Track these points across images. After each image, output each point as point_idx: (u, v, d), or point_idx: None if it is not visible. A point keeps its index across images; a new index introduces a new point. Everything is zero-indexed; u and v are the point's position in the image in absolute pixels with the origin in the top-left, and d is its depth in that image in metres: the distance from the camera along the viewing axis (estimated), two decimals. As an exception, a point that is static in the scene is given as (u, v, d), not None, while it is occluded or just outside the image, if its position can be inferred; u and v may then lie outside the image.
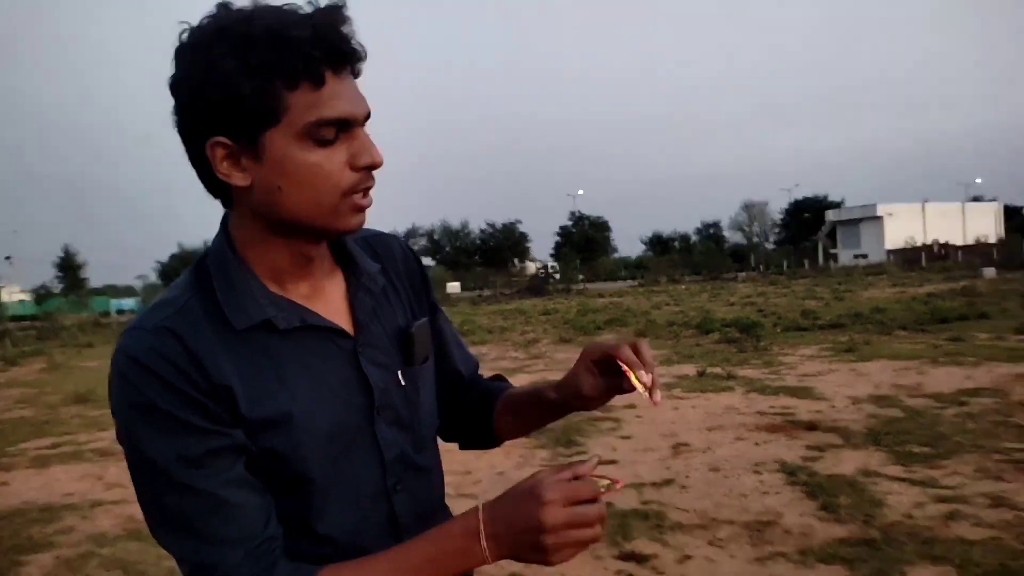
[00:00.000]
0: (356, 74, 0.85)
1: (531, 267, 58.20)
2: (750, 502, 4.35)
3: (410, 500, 0.96)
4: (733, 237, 71.49)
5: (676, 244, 65.73)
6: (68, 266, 50.77)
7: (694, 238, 66.96)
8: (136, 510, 4.34)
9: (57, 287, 52.04)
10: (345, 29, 0.81)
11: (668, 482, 4.86)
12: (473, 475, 5.19)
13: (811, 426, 6.07)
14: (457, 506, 3.49)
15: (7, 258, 77.68)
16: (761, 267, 60.07)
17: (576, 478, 0.80)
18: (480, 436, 1.16)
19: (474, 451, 1.21)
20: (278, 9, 0.80)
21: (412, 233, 53.88)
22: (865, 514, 3.97)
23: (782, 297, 24.16)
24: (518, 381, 7.10)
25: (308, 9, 0.80)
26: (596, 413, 7.29)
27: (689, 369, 9.85)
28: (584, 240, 58.34)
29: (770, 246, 70.54)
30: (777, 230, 70.22)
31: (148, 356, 0.79)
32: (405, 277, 1.04)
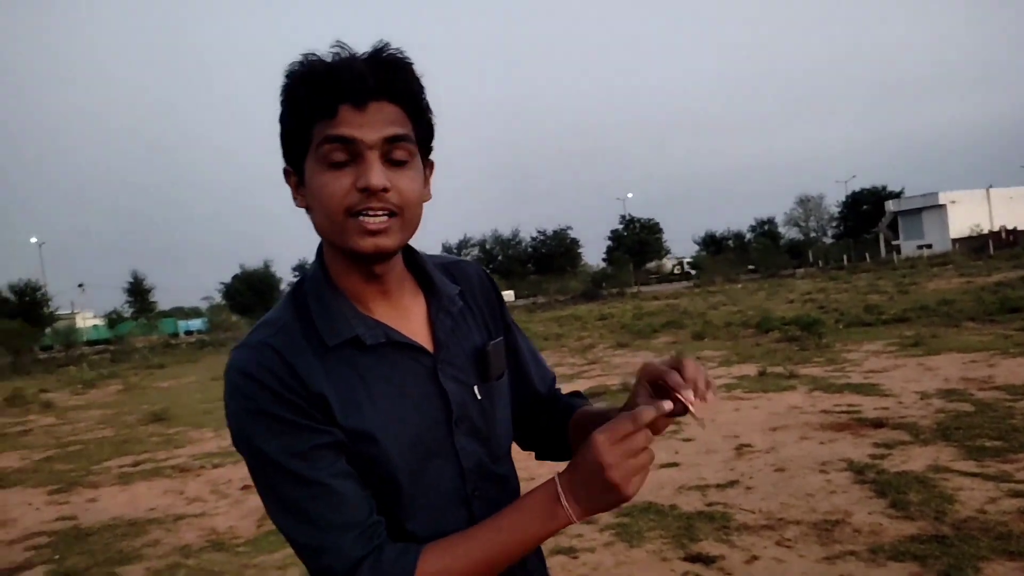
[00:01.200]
0: (403, 103, 0.92)
1: (667, 265, 57.20)
2: (817, 501, 4.33)
3: (488, 506, 1.01)
4: (789, 233, 69.99)
5: (730, 243, 64.57)
6: (137, 291, 52.67)
7: (748, 236, 65.70)
8: (217, 523, 4.61)
9: (127, 311, 54.05)
10: (365, 69, 0.89)
11: (732, 483, 4.86)
12: (536, 480, 5.26)
13: (878, 423, 5.98)
14: None
15: (80, 286, 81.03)
16: (820, 262, 58.65)
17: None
18: (555, 449, 1.21)
19: (540, 460, 1.25)
20: (319, 59, 0.91)
21: (464, 244, 54.33)
22: (936, 510, 3.92)
23: (843, 292, 23.59)
24: (576, 387, 7.16)
25: (349, 52, 0.91)
26: (657, 417, 7.30)
27: (749, 369, 9.76)
28: (636, 243, 57.86)
29: (828, 240, 68.81)
30: (835, 223, 68.45)
31: (254, 368, 0.90)
32: (481, 299, 1.12)
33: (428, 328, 1.02)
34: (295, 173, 0.95)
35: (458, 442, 1.00)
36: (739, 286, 41.04)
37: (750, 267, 56.23)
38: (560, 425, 1.18)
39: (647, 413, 0.86)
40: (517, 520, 0.91)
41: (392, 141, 0.90)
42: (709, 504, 4.50)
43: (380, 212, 0.89)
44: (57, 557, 4.73)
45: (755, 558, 3.63)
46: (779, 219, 67.21)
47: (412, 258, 1.05)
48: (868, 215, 63.94)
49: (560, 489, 0.88)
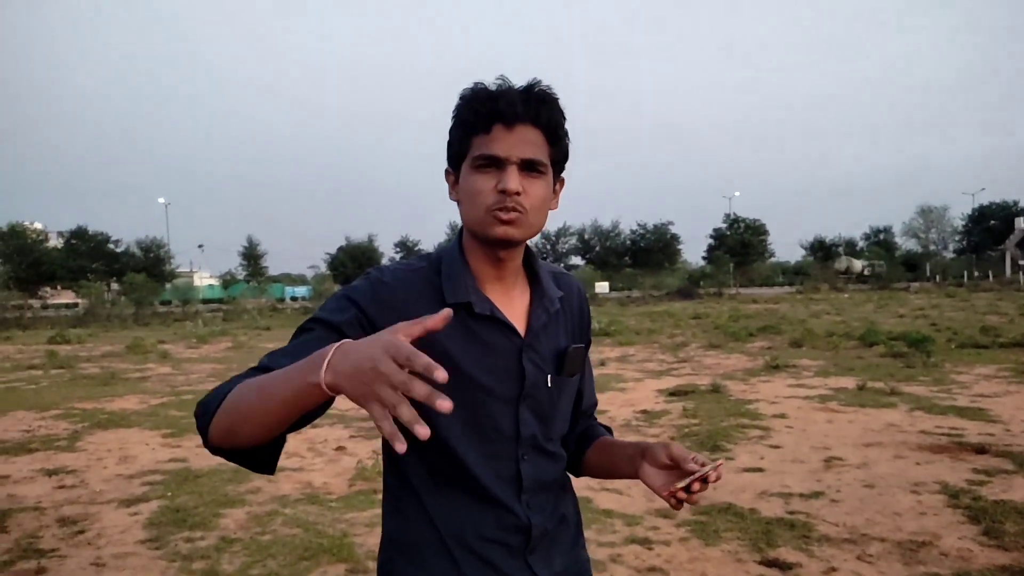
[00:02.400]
0: (544, 129, 1.15)
1: (856, 264, 55.70)
2: (905, 521, 4.21)
3: (533, 470, 1.22)
4: (906, 244, 66.36)
5: (841, 250, 61.79)
6: (250, 255, 55.33)
7: (861, 244, 62.69)
8: (313, 478, 4.91)
9: (241, 274, 56.93)
10: (513, 99, 1.12)
11: (817, 494, 4.78)
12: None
13: (981, 449, 5.71)
14: (603, 498, 3.77)
15: (200, 246, 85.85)
16: (937, 277, 55.43)
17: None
18: (568, 462, 1.38)
19: None
20: (486, 87, 1.14)
21: (562, 232, 54.14)
22: (1034, 544, 3.76)
23: (959, 311, 22.30)
24: (665, 384, 7.26)
25: (508, 85, 1.14)
26: (745, 420, 7.22)
27: (848, 382, 9.45)
28: (739, 244, 56.22)
29: (949, 255, 64.84)
30: (957, 237, 64.35)
31: (376, 277, 1.18)
32: (576, 311, 1.34)
33: (526, 318, 1.22)
34: (454, 174, 1.20)
35: (521, 413, 1.20)
36: (846, 295, 39.37)
37: (867, 266, 53.08)
38: (582, 445, 1.39)
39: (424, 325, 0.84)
40: (292, 368, 0.91)
41: (529, 163, 1.13)
42: (791, 512, 4.45)
43: (512, 210, 1.12)
44: (169, 494, 5.16)
45: (833, 570, 3.59)
46: (896, 229, 63.74)
47: (529, 260, 1.26)
48: (995, 231, 59.78)
49: (330, 353, 0.85)
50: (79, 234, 46.78)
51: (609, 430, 1.46)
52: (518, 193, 1.11)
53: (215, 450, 1.05)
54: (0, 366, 14.67)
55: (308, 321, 1.14)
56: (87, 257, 45.48)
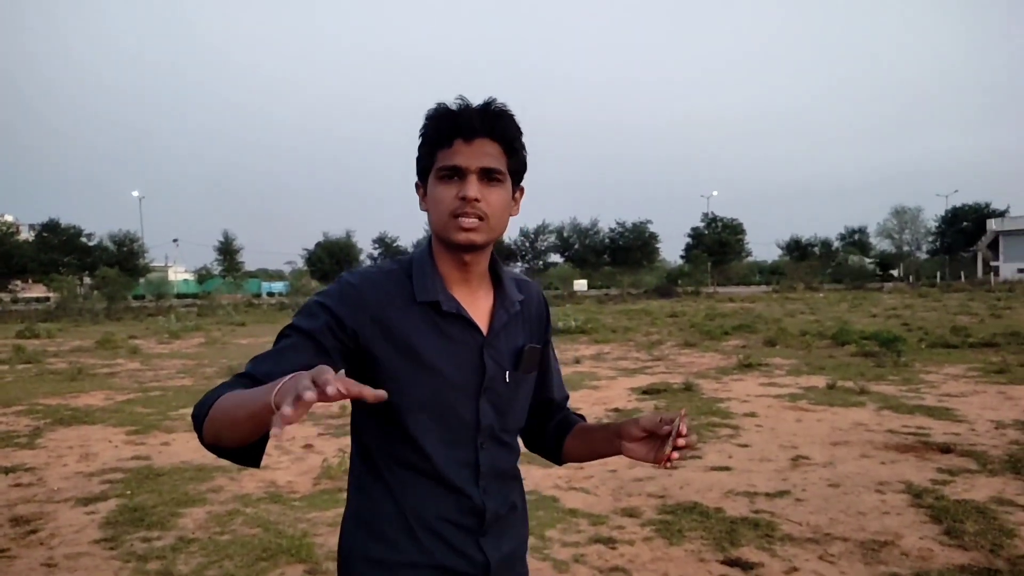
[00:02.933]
0: (501, 141, 1.25)
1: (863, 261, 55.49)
2: (868, 520, 4.23)
3: (490, 458, 1.32)
4: (880, 245, 66.89)
5: (816, 250, 62.33)
6: (226, 250, 54.71)
7: (836, 244, 63.20)
8: (277, 476, 4.83)
9: (216, 269, 56.33)
10: (472, 115, 1.22)
11: (783, 493, 4.79)
12: (585, 471, 5.31)
13: (946, 449, 5.76)
14: (570, 497, 3.74)
15: (174, 241, 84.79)
16: (910, 278, 56.18)
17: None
18: (550, 451, 1.53)
19: (530, 451, 1.57)
20: (447, 106, 1.24)
21: (541, 230, 54.03)
22: (993, 543, 3.77)
23: (931, 311, 22.60)
24: (638, 382, 7.24)
25: (467, 103, 1.24)
26: (715, 419, 7.23)
27: (818, 381, 9.51)
28: (716, 243, 56.55)
29: (922, 256, 65.66)
30: (931, 239, 65.12)
31: (347, 282, 1.26)
32: (535, 313, 1.43)
33: (489, 318, 1.33)
34: (423, 187, 1.30)
35: (481, 404, 1.30)
36: (821, 295, 39.76)
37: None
38: (560, 434, 1.50)
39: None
40: (256, 391, 1.00)
41: (486, 171, 1.23)
42: (755, 511, 4.45)
43: (472, 216, 1.22)
44: (128, 493, 5.05)
45: (795, 569, 3.58)
46: (871, 229, 64.36)
47: (493, 265, 1.36)
48: (968, 232, 60.72)
49: (282, 380, 0.94)
50: (51, 227, 46.03)
51: (582, 417, 1.56)
52: (477, 200, 1.22)
53: (209, 448, 1.15)
54: (-36, 361, 14.36)
55: (286, 328, 1.23)
56: (59, 250, 44.78)
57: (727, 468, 5.45)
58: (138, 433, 7.11)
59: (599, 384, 9.86)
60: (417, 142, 1.30)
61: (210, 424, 1.10)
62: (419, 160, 1.30)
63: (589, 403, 8.44)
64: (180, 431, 7.19)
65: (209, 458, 6.05)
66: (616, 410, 7.97)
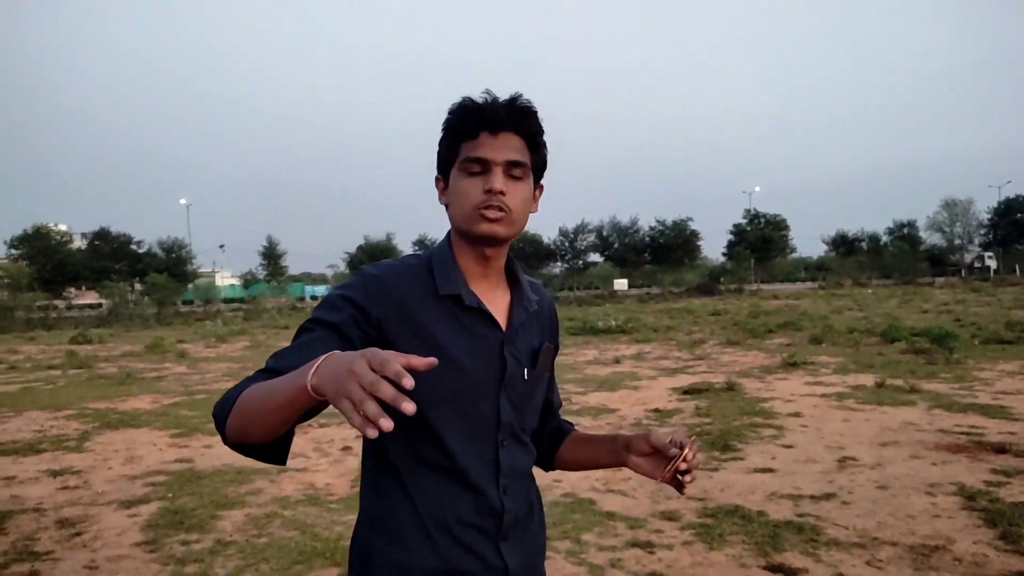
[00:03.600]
0: (527, 140, 1.26)
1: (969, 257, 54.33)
2: (918, 524, 4.07)
3: (510, 456, 1.30)
4: (930, 239, 64.98)
5: (864, 245, 60.80)
6: (270, 254, 55.60)
7: (884, 238, 61.56)
8: (316, 478, 4.84)
9: (261, 274, 57.27)
10: (499, 108, 1.23)
11: (829, 496, 4.64)
12: (623, 472, 5.23)
13: (1001, 449, 5.53)
14: (607, 500, 3.65)
15: (221, 246, 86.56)
16: (962, 272, 54.51)
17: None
18: (542, 456, 1.51)
19: None
20: (472, 99, 1.25)
21: (581, 229, 53.59)
22: (1053, 549, 3.59)
23: (985, 306, 21.88)
24: (680, 382, 7.12)
25: (493, 97, 1.24)
26: (758, 419, 7.07)
27: (867, 379, 9.25)
28: (759, 239, 55.57)
29: (974, 249, 63.61)
30: (983, 231, 63.04)
31: (369, 274, 1.25)
32: (547, 318, 1.43)
33: (507, 315, 1.32)
34: (443, 180, 1.30)
35: (502, 400, 1.28)
36: (869, 291, 38.84)
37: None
38: (555, 440, 1.51)
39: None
40: (288, 376, 1.00)
41: (512, 164, 1.24)
42: (800, 515, 4.32)
43: (497, 208, 1.22)
44: (170, 495, 5.13)
45: (840, 575, 3.46)
46: (921, 223, 62.56)
47: (510, 264, 1.37)
48: (1021, 225, 58.62)
49: (320, 360, 0.94)
50: (102, 235, 47.28)
51: (573, 426, 1.56)
52: (503, 193, 1.21)
53: (233, 446, 1.13)
54: (21, 366, 14.84)
55: (308, 322, 1.22)
56: (110, 258, 45.98)
57: (770, 470, 5.31)
58: (182, 436, 7.22)
59: (639, 384, 9.73)
60: (439, 136, 1.30)
61: (236, 419, 1.07)
62: (441, 154, 1.29)
63: (629, 403, 8.33)
64: (222, 434, 7.28)
65: (249, 461, 6.09)
66: (656, 411, 7.84)
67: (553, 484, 5.03)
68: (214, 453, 6.44)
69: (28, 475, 5.83)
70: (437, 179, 1.32)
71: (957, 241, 64.03)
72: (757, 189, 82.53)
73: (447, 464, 1.24)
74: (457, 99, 1.27)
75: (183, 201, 65.58)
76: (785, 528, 4.10)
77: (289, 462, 4.61)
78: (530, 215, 1.32)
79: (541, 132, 1.29)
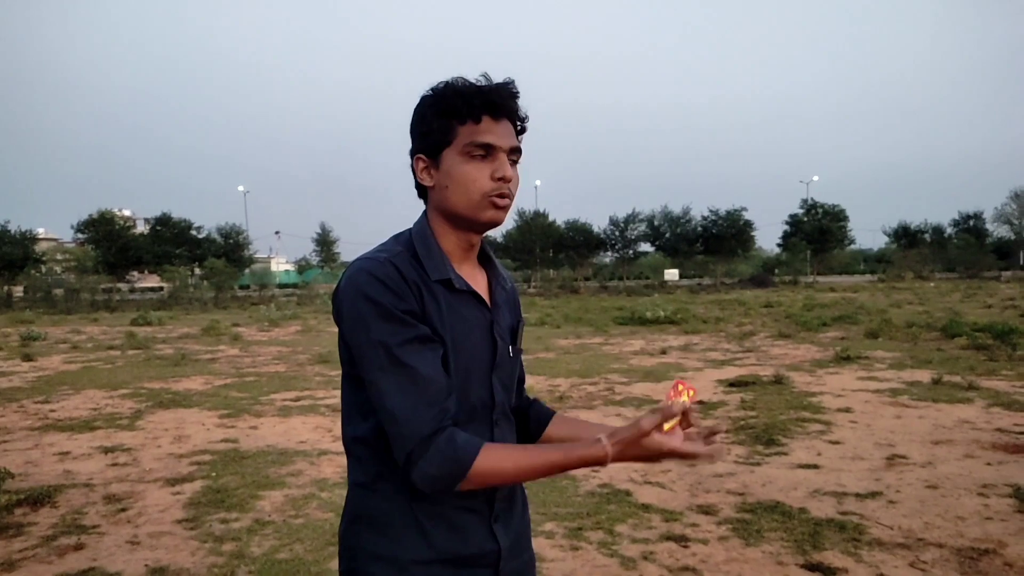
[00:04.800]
0: (516, 126, 1.27)
1: None
2: (968, 526, 3.90)
3: (501, 435, 1.32)
4: (998, 231, 62.33)
5: (927, 237, 58.72)
6: (324, 241, 56.57)
7: (949, 231, 59.34)
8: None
9: (315, 260, 58.33)
10: (503, 93, 1.23)
11: (875, 495, 4.49)
12: (662, 464, 5.13)
13: (1063, 451, 5.27)
14: (644, 492, 3.58)
15: (276, 233, 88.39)
16: (1033, 266, 52.19)
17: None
18: (524, 434, 1.49)
19: None
20: (468, 81, 1.23)
21: (632, 218, 52.79)
22: (1114, 558, 3.40)
23: (1054, 301, 20.92)
24: (726, 374, 6.96)
25: (486, 81, 1.23)
26: (806, 414, 6.89)
27: (923, 375, 8.93)
28: (816, 230, 54.12)
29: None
30: (1056, 224, 60.17)
31: (380, 272, 1.18)
32: (514, 297, 1.44)
33: (488, 295, 1.33)
34: (427, 159, 1.26)
35: (494, 380, 1.30)
36: (931, 284, 37.56)
37: None
38: (540, 418, 1.49)
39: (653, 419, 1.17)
40: (571, 449, 1.17)
41: (515, 151, 1.26)
42: (843, 513, 4.19)
43: (507, 196, 1.23)
44: (214, 475, 5.25)
45: (882, 577, 3.34)
46: (988, 215, 60.09)
47: (482, 246, 1.37)
48: (1098, 216, 55.82)
49: (604, 436, 1.17)
50: (163, 221, 48.68)
51: (551, 409, 1.55)
52: (510, 180, 1.23)
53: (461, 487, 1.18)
54: (83, 346, 15.40)
55: (392, 348, 1.15)
56: (171, 243, 47.32)
57: (815, 466, 5.16)
58: (229, 417, 7.39)
59: (685, 376, 9.58)
60: (424, 114, 1.27)
61: (489, 478, 1.16)
62: (429, 133, 1.25)
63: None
64: (268, 415, 7.43)
65: (293, 442, 6.23)
66: (701, 402, 7.71)
67: (590, 474, 4.98)
68: (259, 434, 6.57)
69: (81, 451, 6.04)
70: (418, 156, 1.28)
71: (1027, 234, 61.30)
72: (816, 178, 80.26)
73: None
74: (448, 79, 1.26)
75: (241, 188, 67.12)
76: (827, 526, 3.98)
77: (328, 444, 4.73)
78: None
79: (526, 118, 1.30)
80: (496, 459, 1.14)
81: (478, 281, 1.33)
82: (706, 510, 4.30)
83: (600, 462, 1.14)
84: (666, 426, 1.24)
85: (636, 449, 1.13)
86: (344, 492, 4.73)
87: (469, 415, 1.25)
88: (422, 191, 1.32)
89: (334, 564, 3.61)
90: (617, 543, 3.82)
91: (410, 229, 1.32)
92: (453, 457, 1.13)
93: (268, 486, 4.95)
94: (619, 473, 5.01)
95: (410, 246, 1.27)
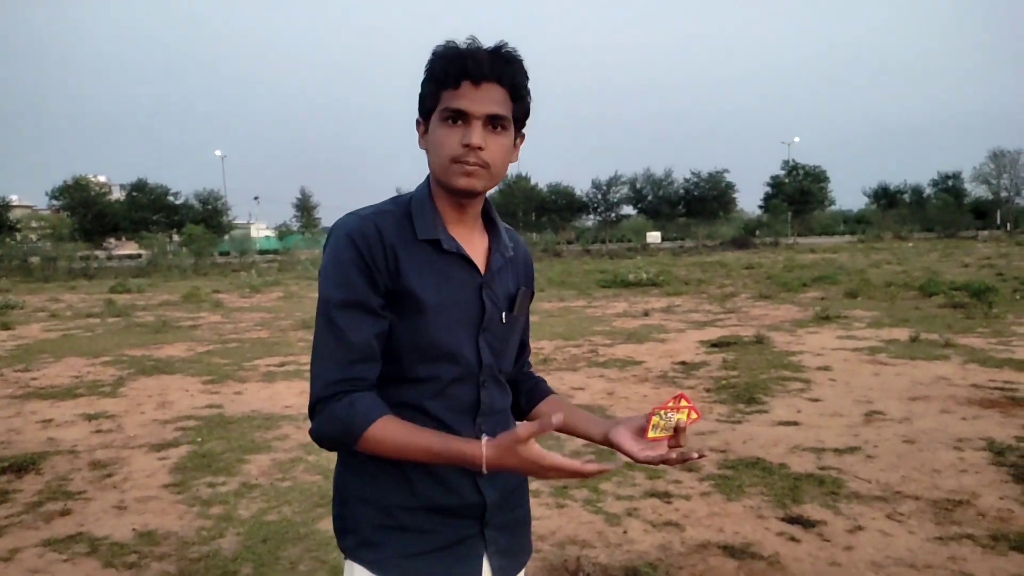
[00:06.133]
0: (509, 88, 1.23)
1: None
2: (943, 479, 4.00)
3: (489, 397, 1.34)
4: (976, 191, 62.95)
5: (906, 197, 59.21)
6: (304, 207, 56.09)
7: (928, 191, 59.84)
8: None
9: (295, 225, 57.87)
10: (480, 57, 1.20)
11: (853, 450, 4.58)
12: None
13: (1035, 405, 5.40)
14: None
15: (255, 198, 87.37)
16: (1008, 225, 52.93)
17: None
18: (515, 407, 1.50)
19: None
20: (456, 45, 1.22)
21: (614, 181, 52.79)
22: (1082, 506, 3.51)
23: (1029, 260, 21.24)
24: (708, 335, 7.03)
25: (477, 45, 1.22)
26: (786, 372, 6.99)
27: (901, 334, 9.08)
28: (797, 191, 54.37)
29: (1021, 202, 61.57)
30: (1033, 183, 60.80)
31: (357, 230, 1.22)
32: (522, 266, 1.44)
33: (485, 260, 1.34)
34: (424, 124, 1.28)
35: (482, 342, 1.31)
36: (910, 244, 37.97)
37: None
38: (534, 395, 1.51)
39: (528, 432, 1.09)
40: (451, 440, 1.17)
41: (492, 118, 1.22)
42: (822, 467, 4.28)
43: (474, 163, 1.21)
44: (199, 440, 5.25)
45: (859, 528, 3.42)
46: (966, 175, 60.60)
47: (487, 209, 1.38)
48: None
49: (485, 446, 1.14)
50: (140, 186, 47.94)
51: (550, 388, 1.56)
52: (480, 148, 1.20)
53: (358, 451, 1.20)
54: (62, 314, 15.24)
55: (331, 307, 1.20)
56: (148, 209, 46.70)
57: (795, 423, 5.25)
58: (213, 383, 7.38)
59: (667, 337, 9.67)
60: (422, 78, 1.27)
61: (373, 448, 1.17)
62: (423, 98, 1.27)
63: (656, 356, 8.29)
64: (252, 381, 7.43)
65: (278, 407, 6.24)
66: (683, 363, 7.79)
67: (574, 434, 5.04)
68: (243, 399, 6.57)
69: (65, 419, 6.01)
70: (418, 122, 1.31)
71: (1004, 194, 62.00)
72: (797, 140, 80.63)
73: (428, 406, 1.27)
74: (441, 43, 1.25)
75: (218, 152, 66.05)
76: (806, 480, 4.06)
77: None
78: (511, 164, 1.32)
79: (525, 82, 1.27)
80: (384, 434, 1.17)
81: (475, 244, 1.34)
82: (688, 467, 4.37)
83: (474, 463, 1.12)
84: (651, 434, 1.26)
85: (513, 458, 1.10)
86: (331, 455, 4.77)
87: (457, 375, 1.28)
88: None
89: (322, 525, 3.65)
90: (602, 500, 3.89)
91: (414, 192, 1.35)
92: (347, 422, 1.16)
93: (254, 450, 4.96)
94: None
95: (406, 206, 1.29)
